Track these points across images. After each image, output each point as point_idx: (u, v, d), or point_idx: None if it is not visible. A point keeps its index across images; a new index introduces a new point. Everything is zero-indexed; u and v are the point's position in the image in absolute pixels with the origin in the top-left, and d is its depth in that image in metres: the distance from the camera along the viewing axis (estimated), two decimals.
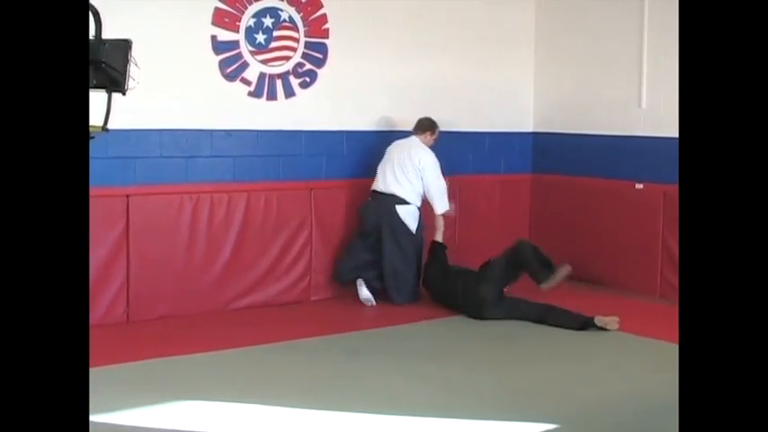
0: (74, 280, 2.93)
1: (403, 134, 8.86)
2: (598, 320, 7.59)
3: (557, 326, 7.64)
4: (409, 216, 8.47)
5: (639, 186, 9.12)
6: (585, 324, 7.59)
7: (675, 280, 8.80)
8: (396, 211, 8.40)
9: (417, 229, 8.52)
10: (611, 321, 7.60)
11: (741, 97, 3.05)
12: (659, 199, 8.92)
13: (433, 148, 8.62)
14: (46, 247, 2.89)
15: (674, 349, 6.91)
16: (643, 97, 9.10)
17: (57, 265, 2.90)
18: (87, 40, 3.24)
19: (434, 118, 8.69)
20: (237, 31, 8.10)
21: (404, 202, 8.42)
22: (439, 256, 8.50)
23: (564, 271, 7.89)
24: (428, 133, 8.64)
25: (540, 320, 7.75)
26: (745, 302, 2.98)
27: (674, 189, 8.77)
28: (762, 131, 3.02)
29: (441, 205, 8.53)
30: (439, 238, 8.53)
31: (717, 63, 3.09)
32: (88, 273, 3.14)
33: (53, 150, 2.92)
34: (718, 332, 3.01)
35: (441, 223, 8.55)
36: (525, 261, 7.94)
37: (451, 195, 8.66)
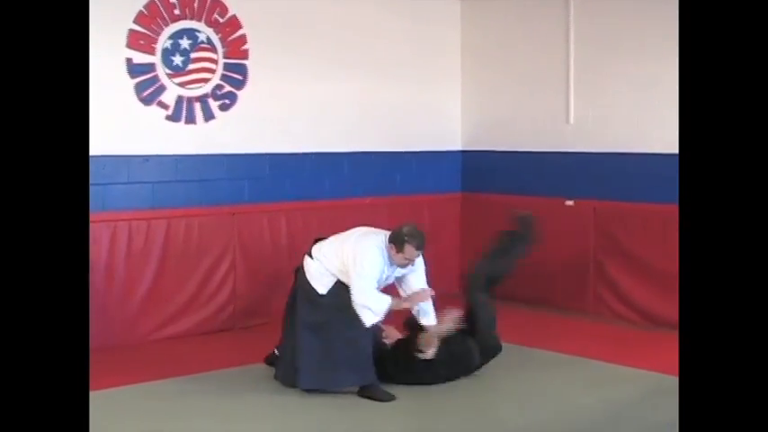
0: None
1: (325, 156, 8.75)
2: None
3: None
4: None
5: (570, 203, 9.01)
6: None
7: (607, 296, 8.70)
8: None
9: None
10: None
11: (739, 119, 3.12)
12: (590, 215, 8.81)
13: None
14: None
15: (609, 368, 6.86)
16: (571, 112, 9.00)
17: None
18: (87, 42, 3.40)
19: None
20: (153, 54, 7.83)
21: None
22: None
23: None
24: (393, 247, 6.20)
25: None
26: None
27: (603, 204, 8.68)
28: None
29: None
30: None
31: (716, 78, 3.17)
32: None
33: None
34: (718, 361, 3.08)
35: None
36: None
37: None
